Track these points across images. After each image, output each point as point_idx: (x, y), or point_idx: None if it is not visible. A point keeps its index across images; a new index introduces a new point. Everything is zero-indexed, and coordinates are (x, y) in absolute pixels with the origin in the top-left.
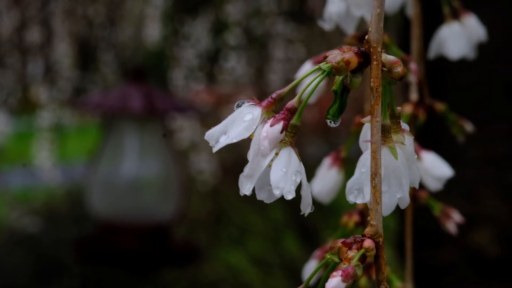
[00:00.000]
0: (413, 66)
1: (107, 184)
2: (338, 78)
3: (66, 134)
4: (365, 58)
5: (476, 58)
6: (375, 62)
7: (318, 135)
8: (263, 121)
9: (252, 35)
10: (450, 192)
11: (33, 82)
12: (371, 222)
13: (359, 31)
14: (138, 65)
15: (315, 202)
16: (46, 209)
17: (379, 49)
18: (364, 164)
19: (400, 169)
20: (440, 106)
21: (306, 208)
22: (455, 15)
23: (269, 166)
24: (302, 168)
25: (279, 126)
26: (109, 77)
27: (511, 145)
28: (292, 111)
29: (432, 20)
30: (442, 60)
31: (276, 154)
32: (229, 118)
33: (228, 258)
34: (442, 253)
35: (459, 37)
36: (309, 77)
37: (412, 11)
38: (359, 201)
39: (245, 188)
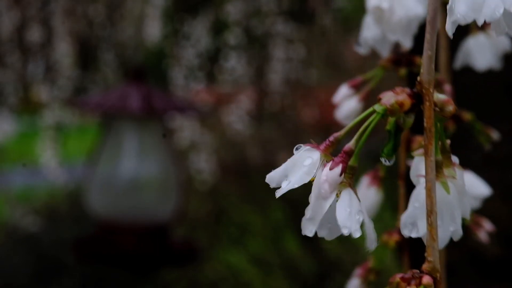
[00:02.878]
0: (447, 87)
1: (106, 184)
2: (392, 119)
3: (67, 133)
4: (417, 99)
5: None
6: (427, 103)
7: (318, 135)
8: (322, 164)
9: (252, 34)
10: None
11: (33, 82)
12: (429, 258)
13: (393, 54)
14: (138, 65)
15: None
16: (47, 209)
17: (431, 90)
18: (417, 199)
19: (452, 204)
20: (467, 116)
21: (372, 244)
22: (481, 27)
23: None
24: (362, 207)
25: (338, 169)
26: (109, 77)
27: None
28: (349, 154)
29: (458, 31)
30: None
31: (337, 195)
32: (289, 162)
33: (228, 258)
34: (441, 253)
35: (485, 49)
36: (346, 103)
37: (438, 23)
38: (413, 235)
39: (308, 230)
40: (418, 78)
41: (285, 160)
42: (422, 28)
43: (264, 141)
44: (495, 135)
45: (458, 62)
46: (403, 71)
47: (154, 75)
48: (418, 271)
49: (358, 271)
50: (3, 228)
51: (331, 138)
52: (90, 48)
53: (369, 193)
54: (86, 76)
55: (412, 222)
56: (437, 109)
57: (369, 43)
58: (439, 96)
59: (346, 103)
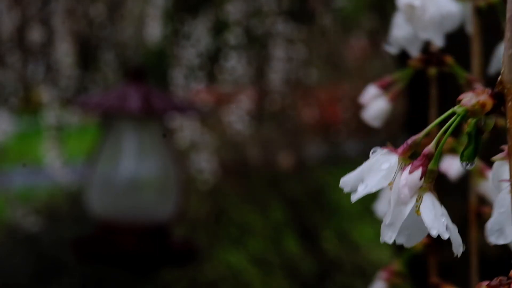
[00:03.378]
0: (478, 86)
1: (106, 184)
2: (472, 120)
3: (67, 133)
4: (499, 99)
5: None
6: (510, 103)
7: (318, 135)
8: (401, 168)
9: (253, 34)
10: (451, 192)
11: (34, 82)
12: None
13: (423, 53)
14: (138, 65)
15: (316, 203)
16: (47, 209)
17: None
18: (502, 204)
19: None
20: (500, 121)
21: (458, 248)
22: None
23: (417, 212)
24: (445, 211)
25: (418, 173)
26: (109, 77)
27: None
28: (429, 157)
29: (492, 36)
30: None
31: (417, 200)
32: (365, 165)
33: (228, 258)
34: (442, 253)
35: None
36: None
37: (471, 28)
38: (500, 242)
39: (388, 236)
40: (499, 78)
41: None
42: (453, 34)
43: (264, 141)
44: None
45: (492, 68)
46: (433, 70)
47: (154, 75)
48: (505, 278)
49: (383, 274)
50: (3, 228)
51: (409, 141)
52: (90, 48)
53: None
54: (86, 76)
55: (499, 228)
56: None
57: (399, 42)
58: None
59: (375, 103)
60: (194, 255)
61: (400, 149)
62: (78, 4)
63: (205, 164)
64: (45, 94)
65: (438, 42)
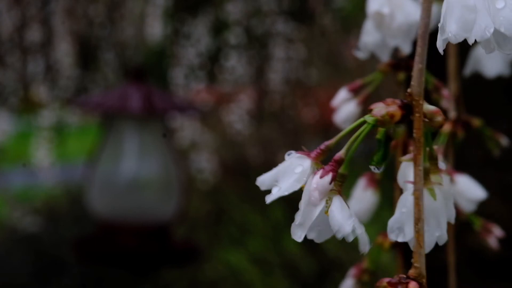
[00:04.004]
0: (445, 92)
1: (106, 183)
2: (382, 129)
3: (67, 133)
4: (407, 110)
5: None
6: (417, 114)
7: (318, 135)
8: (313, 172)
9: (253, 34)
10: None
11: (33, 82)
12: (415, 264)
13: (392, 59)
14: (138, 65)
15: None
16: (47, 209)
17: (421, 102)
18: (404, 204)
19: (438, 210)
20: (476, 122)
21: (365, 246)
22: None
23: (326, 213)
24: (353, 213)
25: (329, 177)
26: (109, 77)
27: (511, 146)
28: (339, 162)
29: None
30: (444, 60)
31: (327, 202)
32: (280, 167)
33: (228, 258)
34: (442, 253)
35: (494, 55)
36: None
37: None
38: (400, 239)
39: (298, 235)
40: (409, 90)
41: (283, 160)
42: (430, 35)
43: (264, 141)
44: (504, 140)
45: (468, 69)
46: (401, 75)
47: (155, 74)
48: (404, 276)
49: (352, 271)
50: (3, 228)
51: (322, 146)
52: (90, 48)
53: (365, 195)
54: (86, 76)
55: (399, 227)
56: (426, 119)
57: (369, 48)
58: (428, 107)
59: (345, 106)
60: (195, 255)
61: (313, 154)
62: (78, 4)
63: (205, 163)
64: (44, 94)
65: (406, 49)
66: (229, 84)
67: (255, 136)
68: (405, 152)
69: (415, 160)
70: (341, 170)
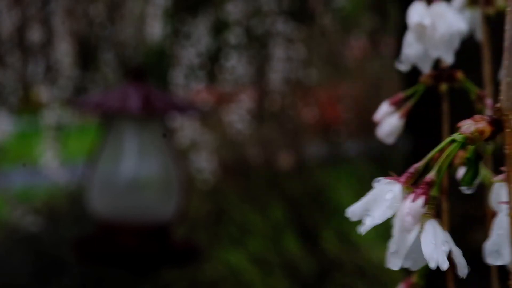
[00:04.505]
0: (489, 101)
1: (106, 183)
2: (471, 147)
3: (67, 133)
4: (497, 126)
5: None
6: (508, 130)
7: (318, 135)
8: (404, 197)
9: (253, 34)
10: (450, 192)
11: (33, 82)
12: None
13: (434, 70)
14: (138, 65)
15: (316, 203)
16: (47, 209)
17: (511, 116)
18: (500, 226)
19: None
20: None
21: (463, 271)
22: None
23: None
24: (448, 237)
25: (421, 201)
26: (109, 77)
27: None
28: (431, 184)
29: (501, 43)
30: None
31: (421, 227)
32: (370, 195)
33: (228, 258)
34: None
35: None
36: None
37: (481, 35)
38: (498, 262)
39: (394, 264)
40: (497, 105)
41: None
42: (463, 43)
43: (264, 140)
44: None
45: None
46: (444, 86)
47: (155, 75)
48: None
49: (401, 286)
50: (3, 228)
51: (412, 170)
52: (90, 48)
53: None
54: (86, 76)
55: (497, 249)
56: None
57: (411, 60)
58: None
59: (387, 120)
60: (195, 255)
61: (403, 178)
62: (78, 4)
63: (205, 163)
64: (44, 94)
65: (448, 59)
66: (229, 84)
67: (255, 136)
68: (450, 164)
69: (508, 178)
70: (432, 192)
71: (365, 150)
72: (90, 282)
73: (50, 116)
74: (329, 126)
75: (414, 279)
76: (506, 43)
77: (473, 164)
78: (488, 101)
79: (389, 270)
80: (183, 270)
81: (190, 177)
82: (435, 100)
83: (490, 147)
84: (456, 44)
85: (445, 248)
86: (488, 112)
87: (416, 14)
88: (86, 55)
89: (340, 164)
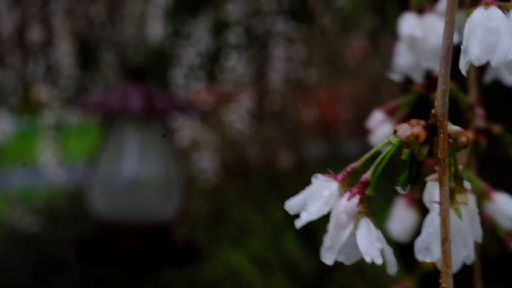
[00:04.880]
0: (479, 111)
1: (107, 183)
2: (407, 150)
3: (67, 133)
4: (432, 131)
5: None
6: (441, 135)
7: (318, 135)
8: (340, 195)
9: (253, 34)
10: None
11: (34, 82)
12: (443, 284)
13: (426, 80)
14: (139, 65)
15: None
16: (47, 209)
17: (445, 122)
18: (431, 224)
19: (465, 230)
20: (496, 129)
21: (393, 268)
22: None
23: (354, 235)
24: (380, 235)
25: (356, 200)
26: (110, 77)
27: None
28: (366, 184)
29: None
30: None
31: (355, 224)
32: (308, 191)
33: (228, 258)
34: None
35: None
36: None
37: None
38: (427, 260)
39: (328, 259)
40: (433, 111)
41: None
42: (456, 53)
43: (264, 140)
44: None
45: (488, 77)
46: (435, 95)
47: (155, 74)
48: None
49: None
50: (3, 228)
51: (348, 169)
52: (90, 48)
53: (406, 214)
54: (86, 76)
55: (426, 247)
56: (451, 140)
57: (403, 70)
58: (452, 128)
59: (381, 128)
60: (195, 255)
61: (340, 176)
62: (78, 4)
63: (205, 163)
64: (44, 94)
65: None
66: (229, 84)
67: (255, 136)
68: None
69: (440, 181)
70: (368, 192)
71: (365, 150)
72: (90, 282)
73: (49, 116)
74: (329, 126)
75: (409, 283)
76: (443, 52)
77: (408, 166)
78: (479, 111)
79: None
80: (183, 270)
81: (190, 177)
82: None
83: (424, 150)
84: None
85: (378, 245)
86: (479, 121)
87: (407, 25)
88: (86, 55)
89: (340, 164)
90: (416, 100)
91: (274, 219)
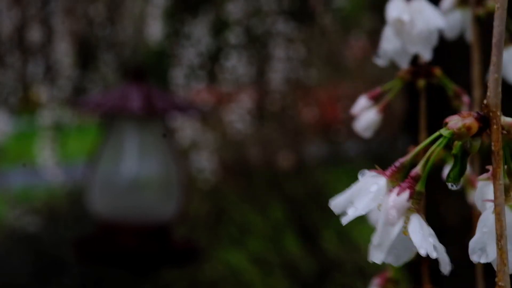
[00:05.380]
0: (465, 98)
1: (107, 183)
2: (458, 143)
3: (67, 133)
4: (484, 123)
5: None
6: (495, 126)
7: (318, 135)
8: (389, 190)
9: (253, 34)
10: (451, 193)
11: (33, 82)
12: (500, 283)
13: (412, 66)
14: (138, 65)
15: (316, 203)
16: (47, 209)
17: (498, 113)
18: (485, 224)
19: None
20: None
21: (446, 267)
22: None
23: (404, 233)
24: (432, 232)
25: (406, 195)
26: (109, 77)
27: None
28: (416, 179)
29: (491, 44)
30: (443, 59)
31: (404, 221)
32: (354, 188)
33: (228, 258)
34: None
35: None
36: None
37: (471, 35)
38: (483, 260)
39: (377, 257)
40: (485, 101)
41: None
42: (441, 40)
43: (264, 140)
44: None
45: None
46: (421, 82)
47: (155, 74)
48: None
49: (376, 281)
50: (3, 228)
51: (397, 164)
52: (90, 48)
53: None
54: (86, 76)
55: (482, 247)
56: (504, 132)
57: (388, 55)
58: (505, 119)
59: (365, 114)
60: (195, 255)
61: (388, 172)
62: (78, 4)
63: (205, 163)
64: (44, 94)
65: (426, 56)
66: (230, 84)
67: (256, 136)
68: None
69: (494, 175)
70: (418, 187)
71: (365, 150)
72: (90, 282)
73: (47, 116)
74: (329, 126)
75: (389, 273)
76: (495, 40)
77: (459, 160)
78: (465, 98)
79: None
80: (183, 270)
81: (190, 177)
82: (435, 99)
83: (476, 143)
84: (434, 40)
85: (431, 240)
86: (465, 108)
87: (395, 9)
88: (86, 55)
89: (340, 164)
90: (402, 86)
91: (274, 219)
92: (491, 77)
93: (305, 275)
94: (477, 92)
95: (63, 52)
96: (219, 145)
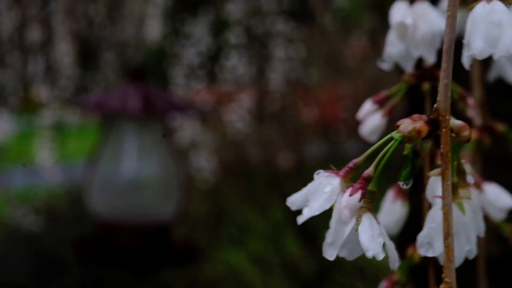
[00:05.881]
0: (471, 101)
1: (107, 183)
2: (409, 145)
3: (67, 133)
4: (434, 126)
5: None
6: (444, 129)
7: (318, 135)
8: (342, 190)
9: (253, 34)
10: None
11: (33, 82)
12: (446, 279)
13: (416, 69)
14: (138, 65)
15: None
16: (47, 209)
17: (448, 117)
18: (433, 219)
19: (468, 224)
20: (500, 127)
21: (395, 263)
22: None
23: (356, 231)
24: (383, 230)
25: (358, 195)
26: (109, 77)
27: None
28: (368, 180)
29: None
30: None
31: (357, 220)
32: (310, 187)
33: (228, 258)
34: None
35: None
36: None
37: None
38: (429, 254)
39: (329, 254)
40: (435, 106)
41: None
42: (457, 49)
43: (264, 140)
44: None
45: (492, 74)
46: (426, 85)
47: (155, 74)
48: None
49: (383, 284)
50: (3, 228)
51: (351, 165)
52: (90, 48)
53: (395, 207)
54: (86, 76)
55: (429, 241)
56: (453, 134)
57: (393, 59)
58: (455, 122)
59: (370, 118)
60: (195, 255)
61: (342, 172)
62: (78, 4)
63: (205, 163)
64: (44, 93)
65: (430, 59)
66: (229, 84)
67: (255, 136)
68: (432, 162)
69: (443, 175)
70: (370, 187)
71: (365, 150)
72: (90, 282)
73: (46, 116)
74: (329, 126)
75: (396, 276)
76: (445, 46)
77: (410, 161)
78: (470, 101)
79: (389, 270)
80: (183, 270)
81: (190, 177)
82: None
83: (427, 145)
84: (437, 43)
85: (380, 240)
86: (471, 111)
87: (398, 13)
88: (86, 55)
89: (340, 164)
90: (407, 90)
91: (274, 219)
92: (441, 82)
93: (305, 275)
94: (477, 92)
95: (63, 52)
96: (219, 145)
